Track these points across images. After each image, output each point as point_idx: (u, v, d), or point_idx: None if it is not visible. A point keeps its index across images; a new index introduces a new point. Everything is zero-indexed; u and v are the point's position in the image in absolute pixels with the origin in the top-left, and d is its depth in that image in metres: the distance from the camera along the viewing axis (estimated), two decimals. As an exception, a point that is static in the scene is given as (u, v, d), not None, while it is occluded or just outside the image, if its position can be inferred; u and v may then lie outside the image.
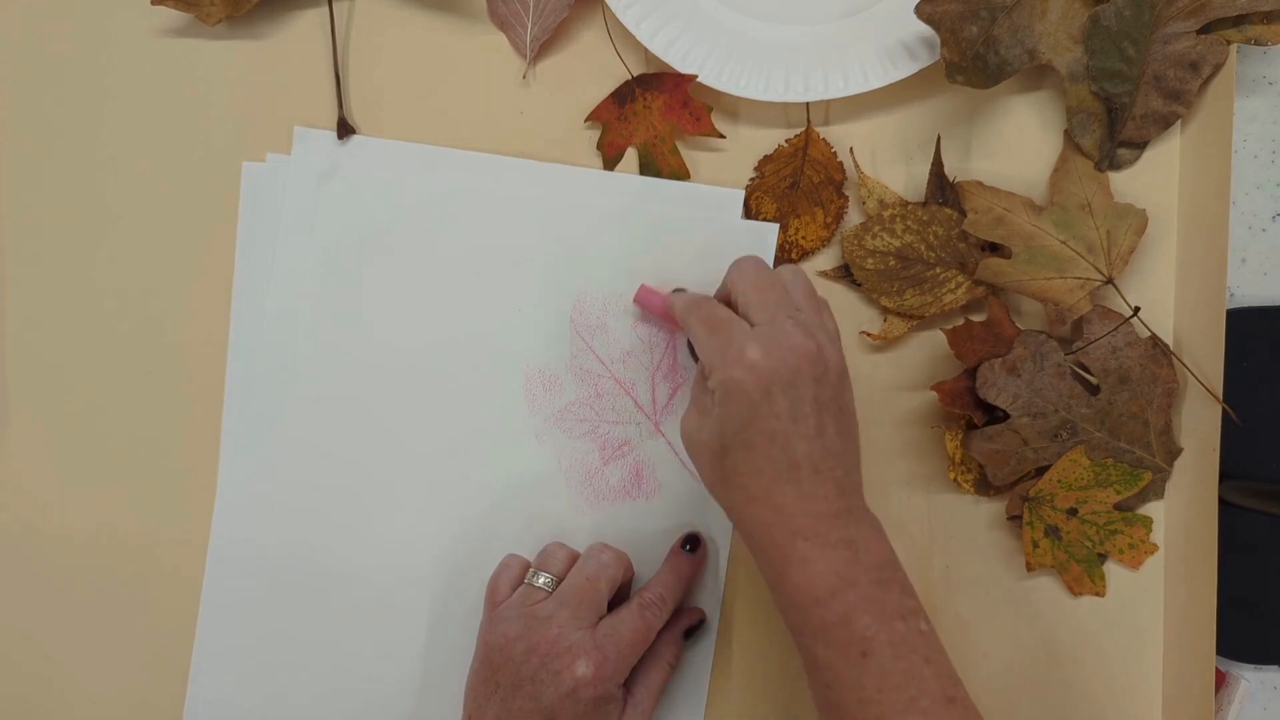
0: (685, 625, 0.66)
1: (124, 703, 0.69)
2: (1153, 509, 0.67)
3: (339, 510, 0.68)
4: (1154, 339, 0.64)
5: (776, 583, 0.55)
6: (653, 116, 0.67)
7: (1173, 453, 0.66)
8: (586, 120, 0.68)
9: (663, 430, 0.68)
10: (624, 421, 0.68)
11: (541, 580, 0.63)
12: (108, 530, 0.69)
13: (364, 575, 0.67)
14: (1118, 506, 0.65)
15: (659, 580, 0.64)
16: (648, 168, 0.68)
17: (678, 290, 0.64)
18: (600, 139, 0.68)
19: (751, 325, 0.56)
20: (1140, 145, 0.66)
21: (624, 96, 0.67)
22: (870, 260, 0.65)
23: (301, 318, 0.68)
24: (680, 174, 0.67)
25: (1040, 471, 0.65)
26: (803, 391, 0.54)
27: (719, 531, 0.67)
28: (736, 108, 0.68)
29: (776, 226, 0.67)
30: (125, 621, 0.69)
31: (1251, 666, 0.68)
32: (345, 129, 0.68)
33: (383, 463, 0.68)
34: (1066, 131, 0.65)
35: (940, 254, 0.65)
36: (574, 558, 0.65)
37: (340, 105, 0.69)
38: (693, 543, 0.66)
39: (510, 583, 0.65)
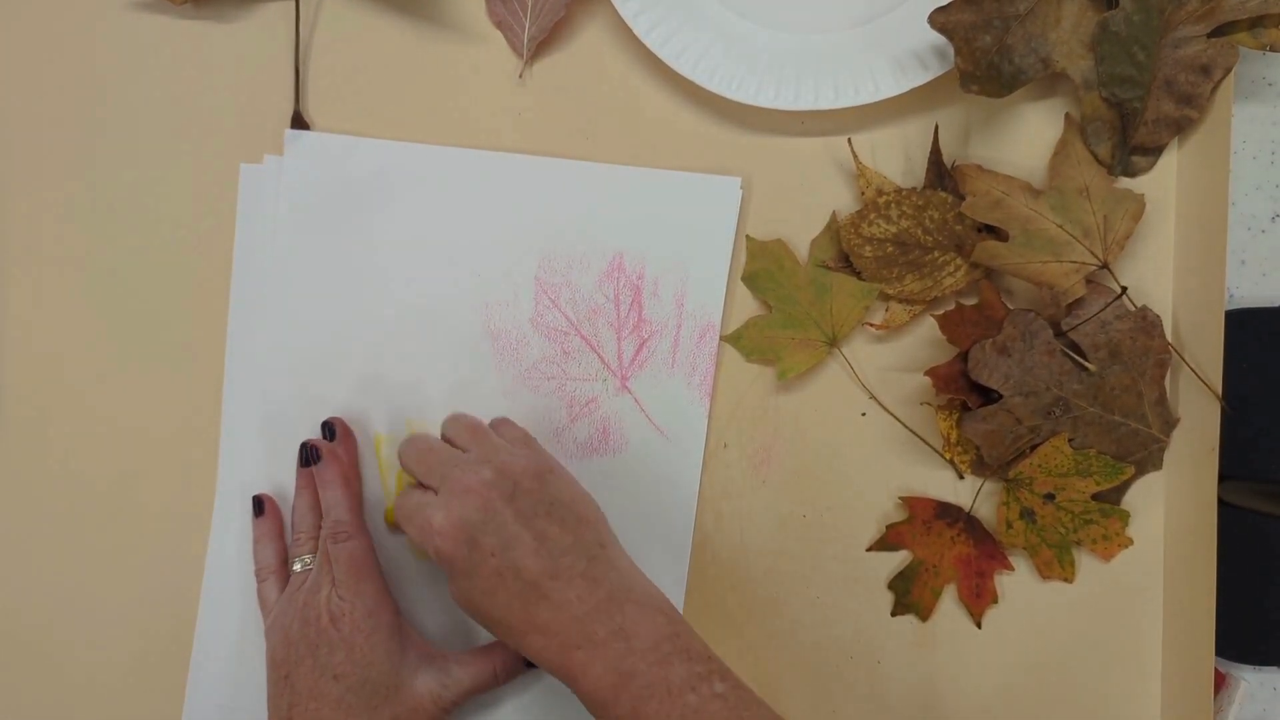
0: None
1: (122, 703, 0.69)
2: (1152, 510, 0.67)
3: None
4: (1143, 311, 0.64)
5: (575, 693, 0.55)
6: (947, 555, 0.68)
7: (1170, 423, 0.66)
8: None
9: (629, 387, 0.68)
10: (590, 379, 0.68)
11: (299, 565, 0.64)
12: (104, 532, 0.69)
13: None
14: (1096, 497, 0.65)
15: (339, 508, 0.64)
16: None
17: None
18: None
19: (435, 493, 0.58)
20: (1154, 151, 0.66)
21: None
22: (868, 248, 0.66)
23: (294, 311, 0.68)
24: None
25: (1036, 450, 0.64)
26: (500, 519, 0.56)
27: (682, 515, 0.68)
28: (744, 114, 0.68)
29: (738, 181, 0.68)
30: (126, 616, 0.69)
31: (1251, 667, 0.67)
32: (300, 123, 0.69)
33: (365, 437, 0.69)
34: (1068, 115, 0.65)
35: (937, 238, 0.65)
36: (318, 519, 0.65)
37: (297, 100, 0.69)
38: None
39: (276, 587, 0.65)
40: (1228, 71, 0.64)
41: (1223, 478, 0.63)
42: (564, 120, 0.69)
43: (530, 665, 0.64)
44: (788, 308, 0.67)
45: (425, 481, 0.59)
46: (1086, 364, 0.63)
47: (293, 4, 0.69)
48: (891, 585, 0.67)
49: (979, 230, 0.65)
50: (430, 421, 0.68)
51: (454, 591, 0.57)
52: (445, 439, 0.62)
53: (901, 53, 0.66)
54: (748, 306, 0.68)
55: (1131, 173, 0.67)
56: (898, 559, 0.67)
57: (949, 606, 0.67)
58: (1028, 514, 0.65)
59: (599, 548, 0.57)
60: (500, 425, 0.63)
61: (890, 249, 0.66)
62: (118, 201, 0.69)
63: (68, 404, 0.69)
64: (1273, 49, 0.64)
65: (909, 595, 0.67)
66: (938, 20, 0.62)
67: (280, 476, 0.68)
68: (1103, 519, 0.65)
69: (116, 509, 0.69)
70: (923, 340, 0.68)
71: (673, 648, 0.54)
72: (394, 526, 0.67)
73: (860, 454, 0.68)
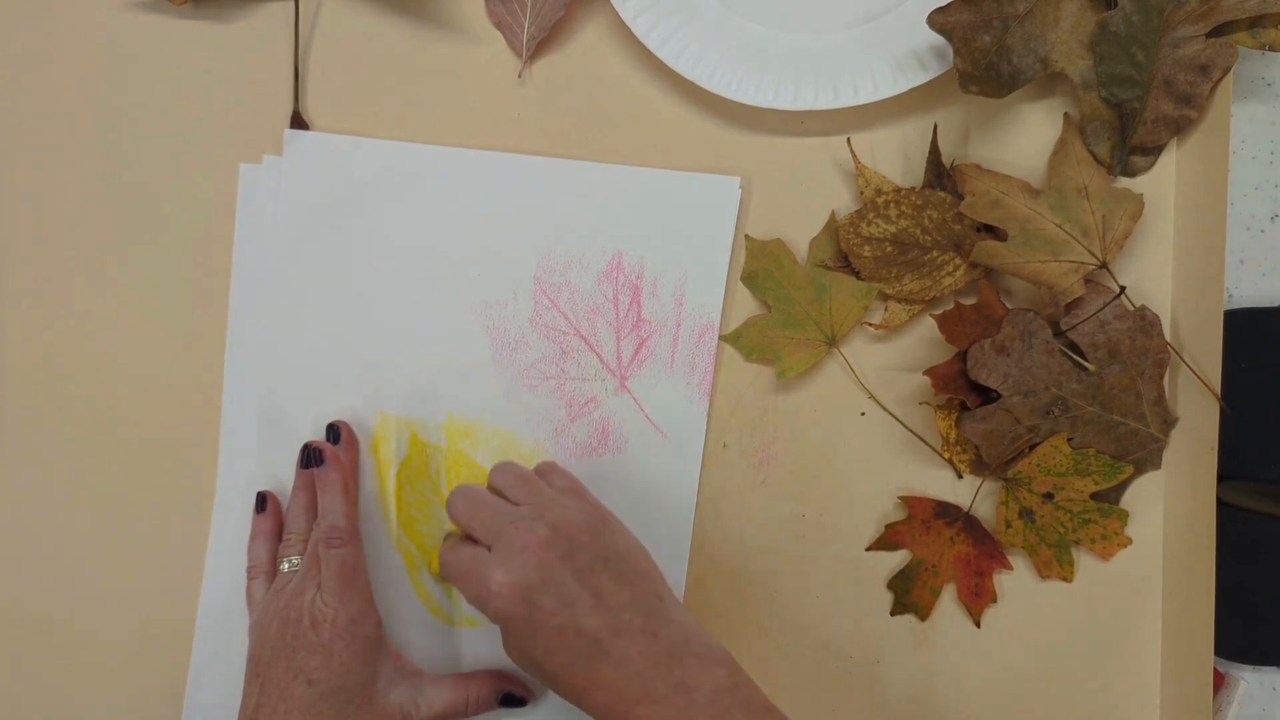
0: (506, 688, 0.65)
1: (123, 700, 0.68)
2: (1151, 510, 0.67)
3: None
4: (1142, 310, 0.64)
5: None
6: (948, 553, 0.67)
7: (1169, 422, 0.66)
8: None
9: (628, 386, 0.68)
10: (589, 378, 0.68)
11: (286, 566, 0.64)
12: (104, 531, 0.69)
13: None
14: (1095, 497, 0.65)
15: (334, 512, 0.64)
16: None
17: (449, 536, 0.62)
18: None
19: (489, 550, 0.57)
20: (1153, 151, 0.66)
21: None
22: (867, 248, 0.66)
23: (294, 310, 0.68)
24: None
25: (1035, 449, 0.65)
26: (559, 576, 0.56)
27: (682, 515, 0.68)
28: (744, 114, 0.68)
29: (737, 180, 0.68)
30: (126, 615, 0.69)
31: (1250, 667, 0.67)
32: (299, 123, 0.69)
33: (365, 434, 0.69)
34: (1067, 115, 0.65)
35: (936, 238, 0.65)
36: (311, 521, 0.66)
37: (297, 100, 0.69)
38: None
39: (264, 586, 0.65)
40: (1227, 71, 0.64)
41: (1221, 478, 0.63)
42: (564, 120, 0.70)
43: (504, 704, 0.64)
44: (787, 307, 0.67)
45: (478, 538, 0.58)
46: (1085, 363, 0.64)
47: (293, 4, 0.69)
48: (891, 585, 0.67)
49: (978, 230, 0.65)
50: (432, 424, 0.68)
51: (510, 649, 0.57)
52: (493, 489, 0.61)
53: (901, 53, 0.66)
54: (747, 306, 0.68)
55: (1130, 172, 0.67)
56: (897, 558, 0.67)
57: (948, 606, 0.67)
58: (1027, 513, 0.65)
59: (656, 600, 0.57)
60: (548, 472, 0.62)
61: (889, 249, 0.66)
62: (118, 202, 0.69)
63: (68, 402, 0.69)
64: (1271, 49, 0.64)
65: (908, 595, 0.67)
66: (937, 21, 0.62)
67: (280, 476, 0.68)
68: (1102, 518, 0.66)
69: (116, 508, 0.68)
70: (922, 340, 0.68)
71: (733, 700, 0.54)
72: (439, 578, 0.67)
73: (859, 454, 0.68)
